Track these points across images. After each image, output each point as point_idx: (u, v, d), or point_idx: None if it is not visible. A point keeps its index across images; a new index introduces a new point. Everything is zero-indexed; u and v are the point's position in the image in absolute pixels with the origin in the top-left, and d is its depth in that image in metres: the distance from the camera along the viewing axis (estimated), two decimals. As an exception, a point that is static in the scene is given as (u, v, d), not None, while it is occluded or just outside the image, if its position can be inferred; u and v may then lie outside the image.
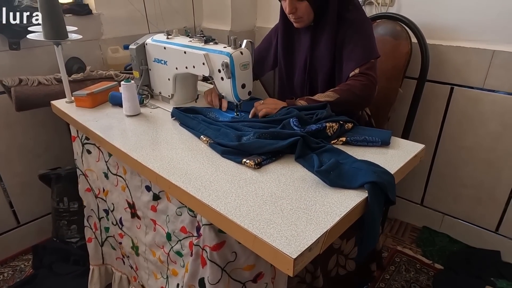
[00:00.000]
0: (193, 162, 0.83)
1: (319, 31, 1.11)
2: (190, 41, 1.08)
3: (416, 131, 1.56)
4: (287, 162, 0.82)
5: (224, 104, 1.14)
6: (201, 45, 1.04)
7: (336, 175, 0.70)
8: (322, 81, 1.14)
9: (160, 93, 1.25)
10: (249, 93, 1.02)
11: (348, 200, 0.67)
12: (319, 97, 1.02)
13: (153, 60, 1.20)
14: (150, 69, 1.24)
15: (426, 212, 1.74)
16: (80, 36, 1.09)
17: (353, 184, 0.69)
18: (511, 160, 1.42)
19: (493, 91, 1.39)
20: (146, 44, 1.20)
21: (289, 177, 0.75)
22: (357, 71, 1.04)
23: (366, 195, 0.68)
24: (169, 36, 1.16)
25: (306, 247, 0.55)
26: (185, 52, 1.06)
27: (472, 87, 1.43)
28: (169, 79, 1.17)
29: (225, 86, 1.01)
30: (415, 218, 1.79)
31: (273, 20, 2.08)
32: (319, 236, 0.57)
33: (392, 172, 0.77)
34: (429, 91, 1.51)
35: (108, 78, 1.47)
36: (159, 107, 1.21)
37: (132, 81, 1.10)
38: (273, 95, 1.55)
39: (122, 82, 1.09)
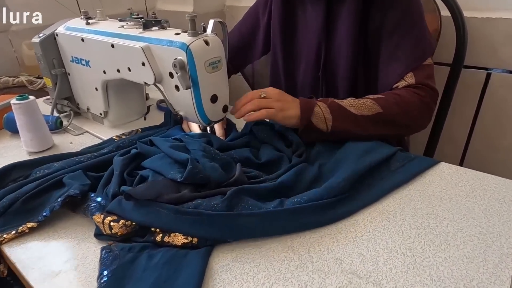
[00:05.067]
0: None
1: (337, 2, 0.72)
2: (122, 26, 0.66)
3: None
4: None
5: (193, 128, 0.70)
6: (138, 32, 0.62)
7: None
8: (344, 83, 0.75)
9: (88, 109, 0.82)
10: (225, 108, 0.62)
11: None
12: (350, 104, 0.65)
13: (71, 59, 0.77)
14: (69, 74, 0.81)
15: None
16: None
17: None
18: None
19: (546, 76, 1.05)
20: (57, 35, 0.77)
21: None
22: (411, 79, 0.69)
23: None
24: (90, 21, 0.73)
25: None
26: (112, 46, 0.64)
27: (515, 72, 1.09)
28: (96, 89, 0.75)
29: (182, 101, 0.60)
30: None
31: (247, -4, 1.66)
32: None
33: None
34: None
35: (18, 87, 1.02)
36: (87, 131, 0.79)
37: (32, 97, 0.67)
38: (252, 87, 1.15)
39: (12, 101, 0.66)
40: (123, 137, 0.69)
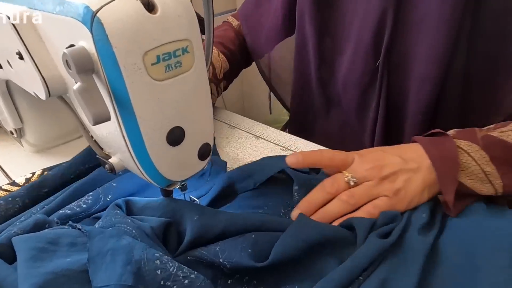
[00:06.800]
0: None
1: None
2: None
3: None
4: None
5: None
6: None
7: None
8: (422, 84, 0.42)
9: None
10: (205, 151, 0.29)
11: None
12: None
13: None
14: (-36, 65, 0.49)
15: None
16: None
17: None
18: None
19: None
20: None
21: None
22: None
23: None
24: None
25: None
26: (-25, 15, 0.31)
27: None
28: (-6, 94, 0.43)
29: (111, 136, 0.28)
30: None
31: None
32: None
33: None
34: None
35: None
36: (-5, 162, 0.48)
37: None
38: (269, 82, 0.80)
39: None
40: (14, 189, 0.37)
